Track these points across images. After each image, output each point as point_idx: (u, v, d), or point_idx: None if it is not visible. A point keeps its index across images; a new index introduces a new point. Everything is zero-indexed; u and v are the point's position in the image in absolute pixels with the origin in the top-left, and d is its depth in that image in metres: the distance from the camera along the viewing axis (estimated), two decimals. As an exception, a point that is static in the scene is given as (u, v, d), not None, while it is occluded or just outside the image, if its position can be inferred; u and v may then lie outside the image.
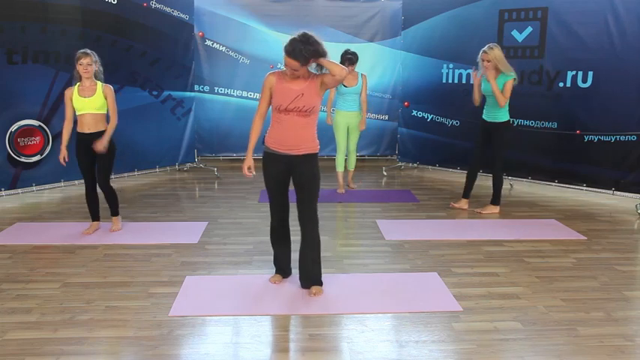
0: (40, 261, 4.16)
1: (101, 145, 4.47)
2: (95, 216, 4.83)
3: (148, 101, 6.89)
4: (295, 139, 3.35)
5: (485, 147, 5.41)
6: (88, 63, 4.44)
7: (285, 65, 3.25)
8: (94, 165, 4.62)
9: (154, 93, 6.97)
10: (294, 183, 3.47)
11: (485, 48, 5.15)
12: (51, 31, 5.89)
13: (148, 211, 5.60)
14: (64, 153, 4.59)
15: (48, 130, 6.03)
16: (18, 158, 5.85)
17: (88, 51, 4.52)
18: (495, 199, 5.55)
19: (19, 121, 5.81)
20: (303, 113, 3.31)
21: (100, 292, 3.59)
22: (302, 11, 7.44)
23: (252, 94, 7.86)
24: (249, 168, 3.50)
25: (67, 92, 4.54)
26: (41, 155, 6.02)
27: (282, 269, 3.77)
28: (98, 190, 4.74)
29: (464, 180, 5.71)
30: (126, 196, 6.08)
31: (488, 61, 5.08)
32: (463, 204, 5.66)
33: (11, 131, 5.77)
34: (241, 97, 7.87)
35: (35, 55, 5.82)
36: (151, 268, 4.04)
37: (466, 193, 5.66)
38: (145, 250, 4.41)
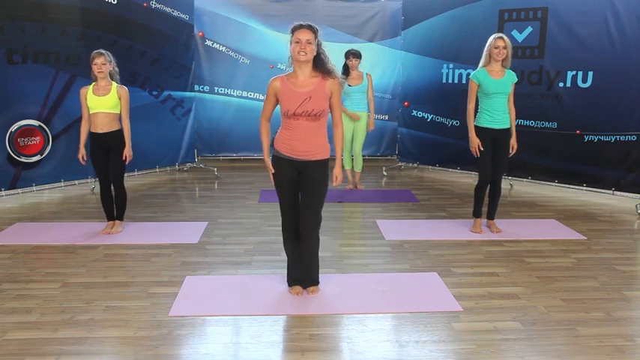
0: (40, 261, 4.16)
1: (128, 153, 4.65)
2: (111, 215, 4.84)
3: (148, 101, 6.89)
4: (307, 145, 3.27)
5: (492, 159, 4.72)
6: (102, 62, 4.48)
7: (296, 43, 3.15)
8: (108, 165, 4.66)
9: (154, 93, 6.98)
10: (301, 186, 3.39)
11: (495, 36, 4.55)
12: (51, 31, 5.89)
13: (148, 211, 5.60)
14: (82, 152, 4.68)
15: (48, 130, 6.03)
16: (18, 158, 5.85)
17: (102, 51, 4.56)
18: (495, 212, 4.95)
19: (19, 121, 5.81)
20: (312, 117, 3.23)
21: (100, 292, 3.59)
22: (302, 11, 7.43)
23: (252, 94, 7.86)
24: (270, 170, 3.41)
25: (83, 91, 4.57)
26: (41, 155, 6.03)
27: (301, 279, 3.57)
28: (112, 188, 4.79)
29: (464, 180, 5.66)
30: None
31: (504, 47, 4.49)
32: (479, 226, 4.92)
33: (11, 131, 5.77)
34: (241, 97, 7.87)
35: (35, 55, 5.82)
36: (150, 268, 4.04)
37: (480, 213, 4.94)
38: (145, 250, 4.40)
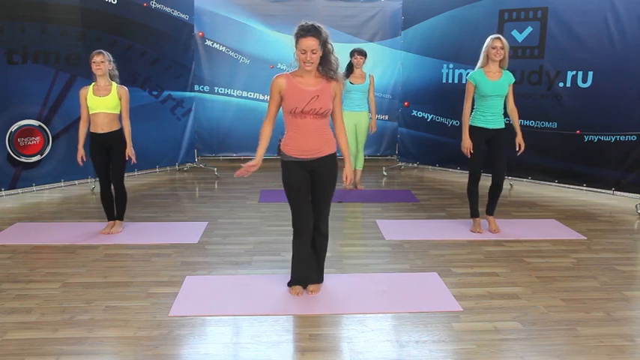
0: (40, 261, 4.16)
1: (130, 153, 4.67)
2: (111, 215, 4.84)
3: (148, 101, 6.89)
4: (316, 142, 3.27)
5: (483, 158, 4.75)
6: (101, 60, 4.51)
7: (301, 53, 3.12)
8: (108, 165, 4.67)
9: (154, 93, 6.98)
10: (314, 185, 3.38)
11: (493, 37, 4.57)
12: (51, 31, 5.89)
13: (148, 211, 5.60)
14: (81, 152, 4.70)
15: (48, 130, 6.03)
16: (18, 158, 5.85)
17: (102, 50, 4.60)
18: (494, 209, 4.95)
19: (19, 121, 5.81)
20: (319, 116, 3.23)
21: (100, 292, 3.59)
22: (302, 11, 7.43)
23: (252, 94, 7.86)
24: (250, 166, 3.27)
25: (82, 91, 4.59)
26: (41, 155, 6.03)
27: (304, 280, 3.57)
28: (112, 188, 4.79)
29: (464, 180, 5.65)
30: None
31: (502, 48, 4.49)
32: (478, 226, 4.93)
33: (11, 131, 5.77)
34: (241, 97, 7.87)
35: (35, 55, 5.82)
36: (150, 268, 4.03)
37: (477, 212, 4.95)
38: (145, 250, 4.40)
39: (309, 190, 3.39)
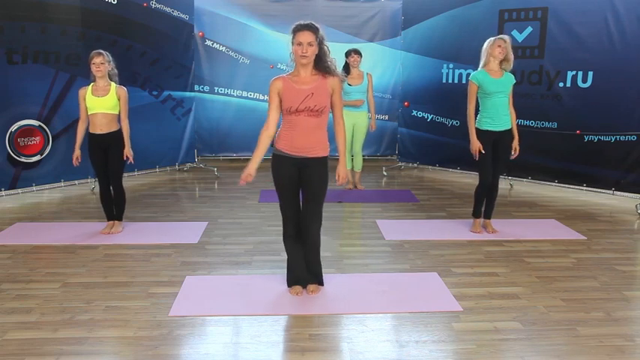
0: (40, 261, 4.16)
1: (129, 153, 4.66)
2: (111, 215, 4.84)
3: (148, 101, 6.89)
4: (308, 141, 3.28)
5: (492, 163, 4.69)
6: (101, 62, 4.49)
7: (297, 46, 3.15)
8: (107, 165, 4.65)
9: (154, 93, 6.98)
10: (302, 184, 3.40)
11: (497, 37, 4.59)
12: (51, 31, 5.89)
13: (148, 211, 5.60)
14: (77, 153, 4.66)
15: (48, 130, 6.03)
16: (18, 158, 5.85)
17: (102, 51, 4.58)
18: (492, 212, 4.94)
19: (19, 121, 5.81)
20: (315, 113, 3.24)
21: (100, 292, 3.59)
22: (302, 11, 7.43)
23: (252, 94, 7.87)
24: (248, 175, 3.31)
25: (81, 91, 4.58)
26: (41, 155, 6.03)
27: (302, 278, 3.57)
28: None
29: (464, 180, 5.65)
30: (126, 196, 6.06)
31: (505, 47, 4.47)
32: (479, 226, 4.92)
33: (11, 131, 5.77)
34: (241, 97, 7.88)
35: (35, 55, 5.82)
36: (150, 268, 4.04)
37: (480, 213, 4.92)
38: (145, 250, 4.40)
39: (297, 186, 3.41)
